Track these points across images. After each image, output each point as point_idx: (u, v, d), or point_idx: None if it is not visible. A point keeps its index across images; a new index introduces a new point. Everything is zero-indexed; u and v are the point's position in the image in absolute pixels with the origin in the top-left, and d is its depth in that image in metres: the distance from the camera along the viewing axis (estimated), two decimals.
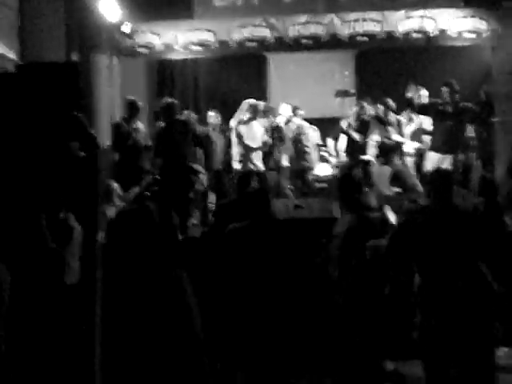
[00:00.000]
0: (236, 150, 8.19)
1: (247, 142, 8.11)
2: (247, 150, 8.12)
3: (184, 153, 6.69)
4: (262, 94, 9.30)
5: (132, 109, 7.26)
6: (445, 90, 7.36)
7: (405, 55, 10.40)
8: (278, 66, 11.42)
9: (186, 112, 8.14)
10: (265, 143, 8.21)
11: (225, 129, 8.42)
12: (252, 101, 8.34)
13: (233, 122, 8.21)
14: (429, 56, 10.08)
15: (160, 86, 10.15)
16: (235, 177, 6.49)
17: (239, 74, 11.19)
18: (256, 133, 8.19)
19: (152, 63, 9.99)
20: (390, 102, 7.80)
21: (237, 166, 8.19)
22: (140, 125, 7.56)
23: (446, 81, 7.37)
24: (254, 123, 8.18)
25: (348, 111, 9.47)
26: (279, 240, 4.33)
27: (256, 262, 4.19)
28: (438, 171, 4.45)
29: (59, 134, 7.14)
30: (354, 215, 4.40)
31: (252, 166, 8.05)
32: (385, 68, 11.02)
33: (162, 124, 6.88)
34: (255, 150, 8.18)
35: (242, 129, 8.15)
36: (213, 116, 8.35)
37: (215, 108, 8.47)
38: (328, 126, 10.34)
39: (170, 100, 6.95)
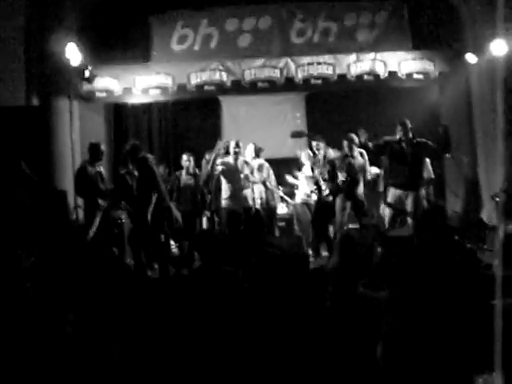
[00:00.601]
0: (224, 188, 8.21)
1: (235, 180, 8.17)
2: (237, 188, 8.17)
3: (161, 190, 6.73)
4: (216, 136, 9.38)
5: (96, 152, 7.20)
6: (399, 128, 7.57)
7: (355, 97, 10.71)
8: (231, 109, 11.56)
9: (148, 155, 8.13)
10: (248, 180, 8.24)
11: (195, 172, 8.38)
12: (236, 140, 8.41)
13: (217, 162, 8.17)
14: (379, 97, 10.42)
15: (118, 129, 10.12)
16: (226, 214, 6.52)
17: (194, 117, 11.27)
18: (243, 171, 8.27)
19: (111, 107, 9.99)
20: (354, 137, 7.94)
21: (225, 203, 8.17)
22: (102, 168, 7.52)
23: (400, 120, 7.61)
24: (239, 162, 8.25)
25: (300, 152, 9.57)
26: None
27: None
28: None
29: (12, 179, 7.09)
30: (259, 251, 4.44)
31: (244, 203, 8.08)
32: (334, 109, 11.29)
33: (130, 167, 6.89)
34: (244, 187, 8.24)
35: (229, 167, 8.21)
36: (185, 158, 8.32)
37: (189, 151, 8.46)
38: (279, 167, 10.49)
39: (135, 142, 6.97)
